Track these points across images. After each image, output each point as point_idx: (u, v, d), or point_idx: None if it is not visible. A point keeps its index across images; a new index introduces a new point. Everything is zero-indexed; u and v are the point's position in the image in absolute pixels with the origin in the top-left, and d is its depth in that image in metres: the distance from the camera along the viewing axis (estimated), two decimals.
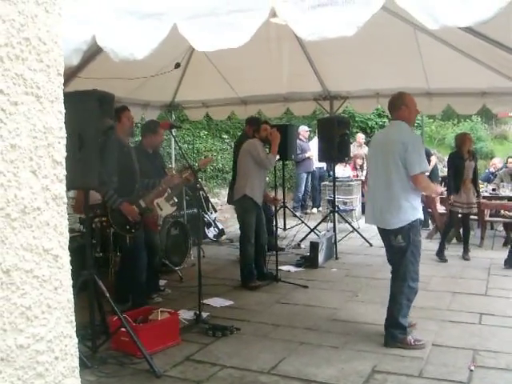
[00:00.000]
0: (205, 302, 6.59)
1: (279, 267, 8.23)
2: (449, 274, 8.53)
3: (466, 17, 3.06)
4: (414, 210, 5.45)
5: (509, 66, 7.37)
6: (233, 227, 11.82)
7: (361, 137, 15.93)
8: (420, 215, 5.53)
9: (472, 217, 10.63)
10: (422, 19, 3.12)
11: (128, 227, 6.28)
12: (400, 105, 5.68)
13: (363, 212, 14.48)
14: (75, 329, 1.65)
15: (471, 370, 4.95)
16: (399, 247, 5.49)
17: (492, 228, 12.21)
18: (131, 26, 3.62)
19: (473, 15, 3.04)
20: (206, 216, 10.46)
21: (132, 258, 6.44)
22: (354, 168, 15.04)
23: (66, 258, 1.60)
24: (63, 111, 1.59)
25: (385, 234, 5.66)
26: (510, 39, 6.23)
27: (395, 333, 5.57)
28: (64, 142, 1.60)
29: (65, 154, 1.60)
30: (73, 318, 1.64)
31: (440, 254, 9.47)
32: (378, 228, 5.80)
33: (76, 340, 1.67)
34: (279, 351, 5.39)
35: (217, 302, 7.00)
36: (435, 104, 9.77)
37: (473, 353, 5.37)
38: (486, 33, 6.24)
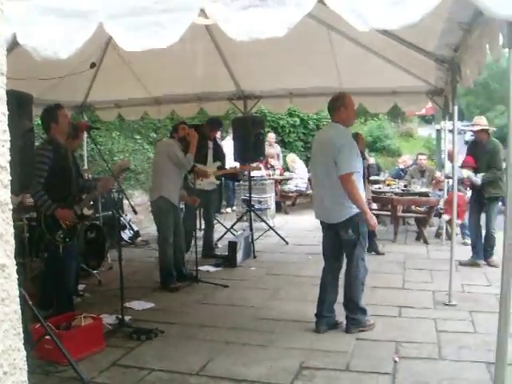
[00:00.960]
0: (126, 305, 6.46)
1: (198, 267, 8.17)
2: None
3: (395, 20, 3.11)
4: (352, 206, 5.72)
5: (419, 67, 7.59)
6: (148, 229, 11.69)
7: (272, 136, 16.03)
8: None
9: (385, 213, 10.90)
10: (351, 21, 3.14)
11: (62, 236, 6.02)
12: (339, 106, 5.89)
13: (277, 210, 14.68)
14: (22, 341, 1.57)
15: (395, 361, 5.10)
16: (350, 240, 5.77)
17: (404, 223, 12.54)
18: (55, 23, 3.48)
19: (401, 19, 3.09)
20: (121, 218, 10.26)
21: (62, 266, 6.18)
22: (267, 167, 15.13)
23: (12, 267, 1.52)
24: (6, 113, 1.51)
25: (333, 228, 5.88)
26: (421, 40, 6.41)
27: (358, 317, 5.92)
28: (8, 145, 1.52)
29: (9, 158, 1.53)
30: (20, 330, 1.56)
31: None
32: (325, 223, 6.00)
33: (24, 353, 1.59)
34: (206, 352, 5.36)
35: (138, 304, 6.88)
36: None
37: (395, 344, 5.54)
38: (398, 33, 6.39)
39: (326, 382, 4.73)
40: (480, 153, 8.93)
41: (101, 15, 3.45)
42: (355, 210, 5.67)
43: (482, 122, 9.12)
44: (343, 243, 5.89)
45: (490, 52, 4.39)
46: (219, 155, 9.98)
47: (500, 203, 8.98)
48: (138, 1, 3.44)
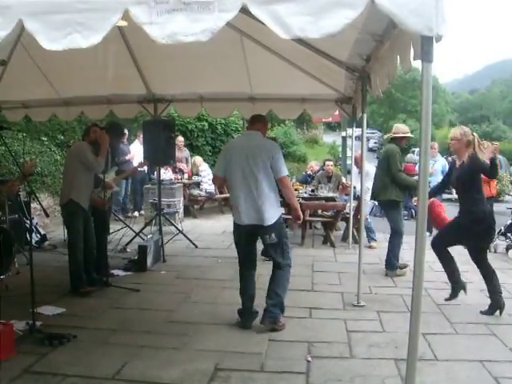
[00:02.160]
0: (36, 310, 6.30)
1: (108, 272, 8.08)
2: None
3: (316, 29, 3.22)
4: (279, 208, 6.23)
5: (330, 75, 7.80)
6: (55, 232, 11.45)
7: (181, 140, 16.00)
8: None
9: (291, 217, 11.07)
10: (274, 29, 3.24)
11: None
12: (264, 121, 6.49)
13: (186, 214, 14.69)
14: None
15: (308, 361, 5.25)
16: (273, 244, 6.09)
17: (311, 227, 12.78)
18: None
19: (322, 28, 3.21)
20: (28, 221, 10.02)
21: None
22: (175, 171, 15.11)
23: None
24: None
25: (256, 231, 6.12)
26: (333, 49, 6.59)
27: (277, 314, 6.15)
28: None
29: None
30: None
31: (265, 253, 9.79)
32: (250, 226, 6.11)
33: None
34: (120, 356, 5.30)
35: (48, 310, 6.71)
36: (258, 109, 9.97)
37: (308, 345, 5.70)
38: (311, 42, 6.54)
39: (242, 383, 4.80)
40: None
41: (20, 12, 3.40)
42: (279, 214, 6.11)
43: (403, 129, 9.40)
44: (267, 247, 6.21)
45: (401, 64, 4.58)
46: (113, 160, 9.83)
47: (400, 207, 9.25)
48: None
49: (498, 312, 6.95)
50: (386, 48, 5.14)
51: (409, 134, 9.29)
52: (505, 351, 5.76)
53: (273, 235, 6.01)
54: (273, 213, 6.02)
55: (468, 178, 6.90)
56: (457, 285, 7.35)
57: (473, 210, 6.94)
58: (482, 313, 6.96)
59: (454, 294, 7.33)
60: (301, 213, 6.29)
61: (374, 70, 6.10)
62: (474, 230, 6.89)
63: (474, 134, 6.93)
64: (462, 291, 7.34)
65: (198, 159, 16.24)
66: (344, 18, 3.16)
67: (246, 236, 6.24)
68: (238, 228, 6.25)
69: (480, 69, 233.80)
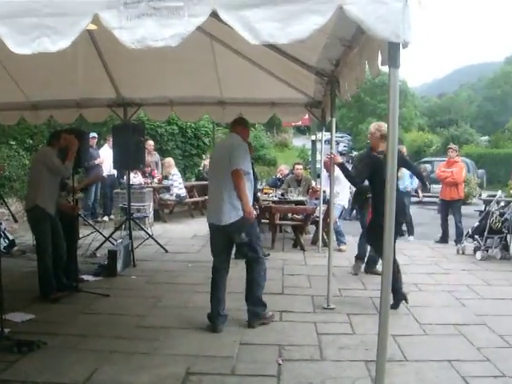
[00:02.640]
0: (4, 317, 6.21)
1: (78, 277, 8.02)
2: (244, 275, 8.83)
3: (284, 35, 3.25)
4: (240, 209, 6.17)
5: (300, 79, 7.85)
6: (24, 238, 11.33)
7: (151, 144, 15.94)
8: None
9: (263, 220, 11.12)
10: (243, 34, 3.26)
11: None
12: (245, 124, 6.62)
13: (156, 218, 14.65)
14: None
15: (280, 364, 5.28)
16: (243, 243, 6.21)
17: (281, 231, 12.82)
18: None
19: (290, 34, 3.24)
20: None
21: None
22: (145, 175, 15.06)
23: None
24: None
25: (225, 231, 6.19)
26: (303, 54, 6.64)
27: (259, 310, 6.41)
28: None
29: None
30: None
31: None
32: (215, 225, 6.22)
33: None
34: (91, 362, 5.26)
35: (17, 316, 6.62)
36: (228, 113, 10.03)
37: (279, 348, 5.73)
38: (281, 47, 6.58)
39: None
40: None
41: None
42: (241, 213, 6.12)
43: None
44: (238, 246, 6.39)
45: (369, 69, 4.64)
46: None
47: None
48: (29, 2, 3.40)
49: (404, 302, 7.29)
50: (354, 53, 5.19)
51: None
52: (472, 351, 5.86)
53: (243, 235, 6.08)
54: (236, 212, 6.08)
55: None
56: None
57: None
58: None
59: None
60: (252, 209, 6.20)
61: (342, 74, 6.16)
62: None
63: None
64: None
65: (170, 161, 16.18)
66: (312, 23, 3.19)
67: (213, 233, 6.38)
68: (209, 227, 6.42)
69: (448, 73, 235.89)
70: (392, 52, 3.40)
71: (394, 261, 7.18)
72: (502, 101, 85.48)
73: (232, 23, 3.27)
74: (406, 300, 7.26)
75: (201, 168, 19.83)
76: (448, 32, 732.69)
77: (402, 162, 7.21)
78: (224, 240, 6.33)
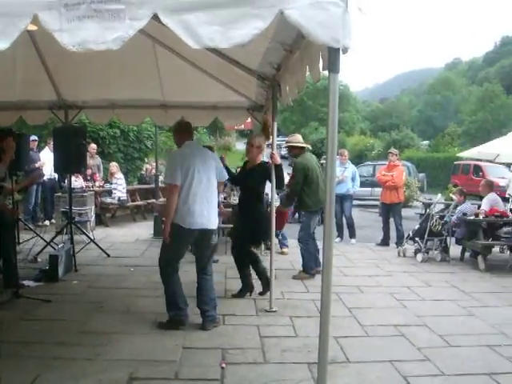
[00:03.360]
0: None
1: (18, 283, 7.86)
2: (190, 279, 8.80)
3: (225, 39, 3.26)
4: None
5: (242, 83, 7.86)
6: None
7: (93, 147, 15.75)
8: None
9: None
10: (184, 38, 3.26)
11: None
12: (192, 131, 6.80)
13: (97, 223, 14.48)
14: None
15: (223, 368, 5.29)
16: (214, 245, 6.56)
17: (224, 234, 12.79)
18: None
19: (231, 38, 3.26)
20: None
21: None
22: (86, 179, 14.86)
23: None
24: None
25: (206, 234, 6.44)
26: (245, 58, 6.65)
27: (215, 313, 6.53)
28: None
29: None
30: None
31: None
32: (201, 230, 6.32)
33: None
34: (33, 369, 5.16)
35: None
36: (170, 116, 10.01)
37: (222, 351, 5.74)
38: (223, 50, 6.58)
39: None
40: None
41: None
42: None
43: (294, 139, 9.77)
44: (209, 247, 6.60)
45: (310, 73, 4.68)
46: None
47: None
48: None
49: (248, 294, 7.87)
50: (295, 57, 5.23)
51: (301, 145, 9.80)
52: (413, 351, 6.00)
53: (215, 236, 6.42)
54: (216, 218, 6.54)
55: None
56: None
57: (259, 209, 7.82)
58: (233, 296, 7.92)
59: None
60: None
61: (284, 78, 6.19)
62: (256, 229, 7.71)
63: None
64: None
65: (115, 166, 16.04)
66: (253, 28, 3.21)
67: (189, 240, 6.57)
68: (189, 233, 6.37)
69: (390, 78, 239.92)
70: (332, 57, 3.43)
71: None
72: (442, 106, 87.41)
73: (173, 27, 3.26)
74: (251, 292, 7.88)
75: (143, 172, 19.69)
76: (389, 38, 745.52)
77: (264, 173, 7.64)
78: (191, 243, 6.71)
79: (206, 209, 6.30)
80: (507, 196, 15.08)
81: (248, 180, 7.76)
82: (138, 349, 5.78)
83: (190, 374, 5.13)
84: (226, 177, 7.02)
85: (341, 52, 3.40)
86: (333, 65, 3.45)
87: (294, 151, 9.65)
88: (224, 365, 5.34)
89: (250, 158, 7.90)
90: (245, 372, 5.21)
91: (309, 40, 3.47)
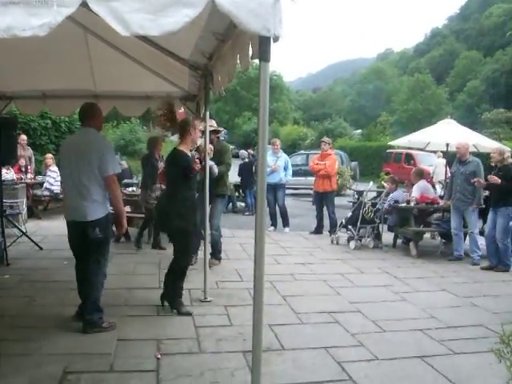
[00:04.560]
0: None
1: None
2: (122, 271, 8.76)
3: (156, 27, 3.22)
4: (105, 206, 5.98)
5: (174, 73, 7.81)
6: None
7: (24, 138, 15.42)
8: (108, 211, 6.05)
9: (138, 215, 11.05)
10: (114, 26, 3.21)
11: None
12: (94, 113, 6.19)
13: (29, 216, 14.18)
14: None
15: (158, 358, 5.28)
16: (96, 239, 5.85)
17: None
18: None
19: (162, 26, 3.22)
20: None
21: None
22: (19, 170, 14.55)
23: None
24: None
25: (81, 227, 5.86)
26: (177, 47, 6.61)
27: (95, 318, 6.02)
28: None
29: None
30: None
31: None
32: (73, 222, 5.94)
33: None
34: None
35: None
36: (102, 106, 9.64)
37: (157, 342, 5.73)
38: (155, 40, 6.53)
39: None
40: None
41: None
42: (105, 211, 5.96)
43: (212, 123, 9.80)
44: (90, 242, 5.91)
45: (240, 62, 4.69)
46: None
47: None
48: None
49: None
50: (227, 46, 5.22)
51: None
52: (347, 337, 6.13)
53: (97, 230, 5.84)
54: (95, 210, 5.85)
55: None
56: None
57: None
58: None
59: None
60: (124, 221, 6.10)
61: (216, 68, 6.18)
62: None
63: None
64: None
65: (50, 158, 15.71)
66: (184, 16, 3.18)
67: (71, 230, 6.10)
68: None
69: (323, 68, 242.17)
70: (263, 46, 3.44)
71: None
72: (374, 95, 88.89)
73: (102, 14, 3.20)
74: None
75: None
76: (322, 28, 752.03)
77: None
78: (81, 237, 5.96)
79: (70, 202, 6.06)
80: (434, 182, 15.52)
81: None
82: (73, 342, 5.70)
83: (125, 365, 5.10)
84: (112, 170, 5.89)
85: (272, 41, 3.42)
86: (264, 54, 3.45)
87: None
88: (159, 355, 5.33)
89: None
90: (180, 362, 5.21)
91: (240, 29, 3.47)
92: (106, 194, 5.97)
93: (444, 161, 19.19)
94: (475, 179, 10.15)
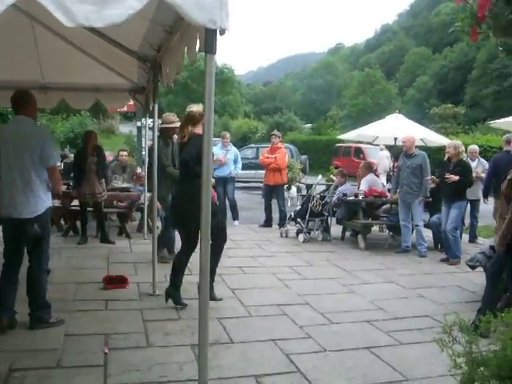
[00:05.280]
0: None
1: None
2: (69, 265, 8.66)
3: (100, 18, 3.18)
4: (47, 201, 5.78)
5: (123, 65, 7.73)
6: None
7: None
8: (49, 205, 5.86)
9: (88, 208, 10.89)
10: (58, 16, 3.14)
11: None
12: (28, 101, 5.90)
13: None
14: None
15: (106, 353, 5.22)
16: (36, 235, 5.67)
17: (107, 219, 12.52)
18: None
19: (106, 17, 3.17)
20: None
21: None
22: None
23: None
24: None
25: (19, 224, 5.64)
26: (126, 39, 6.54)
27: (42, 314, 5.87)
28: None
29: None
30: None
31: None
32: (10, 220, 5.68)
33: None
34: None
35: None
36: (50, 98, 9.68)
37: (105, 337, 5.66)
38: (104, 31, 6.44)
39: (38, 382, 4.66)
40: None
41: None
42: (46, 206, 5.75)
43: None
44: (29, 238, 5.74)
45: (188, 54, 4.67)
46: None
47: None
48: None
49: None
50: (175, 39, 5.19)
51: (175, 125, 9.61)
52: (295, 329, 6.17)
53: (35, 226, 5.64)
54: (36, 205, 5.64)
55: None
56: None
57: None
58: None
59: None
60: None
61: (164, 60, 6.13)
62: None
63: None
64: None
65: None
66: (128, 8, 3.14)
67: (7, 227, 5.88)
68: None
69: (274, 62, 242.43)
70: (209, 38, 3.43)
71: None
72: (324, 90, 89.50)
73: (46, 4, 3.13)
74: None
75: None
76: (273, 22, 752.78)
77: None
78: (17, 234, 5.79)
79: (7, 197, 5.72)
80: (378, 173, 15.78)
81: None
82: (19, 340, 5.58)
83: (72, 361, 5.04)
84: (54, 161, 5.94)
85: (218, 33, 3.41)
86: (210, 46, 3.45)
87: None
88: (107, 350, 5.28)
89: None
90: (128, 356, 5.17)
91: (187, 21, 3.45)
92: (48, 187, 5.79)
93: (387, 153, 19.59)
94: (428, 177, 10.32)
